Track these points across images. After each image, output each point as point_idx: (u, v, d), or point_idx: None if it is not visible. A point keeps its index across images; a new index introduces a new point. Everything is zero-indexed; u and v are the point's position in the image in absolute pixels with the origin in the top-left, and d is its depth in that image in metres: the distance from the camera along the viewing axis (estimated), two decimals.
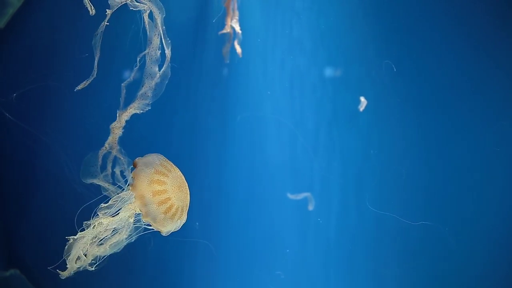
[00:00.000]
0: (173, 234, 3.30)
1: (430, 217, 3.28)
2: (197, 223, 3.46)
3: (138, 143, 3.34)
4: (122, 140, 3.36)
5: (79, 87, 2.23)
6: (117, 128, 2.32)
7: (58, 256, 3.47)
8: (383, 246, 3.50)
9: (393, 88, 3.34)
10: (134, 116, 3.41)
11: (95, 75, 2.21)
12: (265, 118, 3.55)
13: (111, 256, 2.17)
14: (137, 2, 2.16)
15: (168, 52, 2.27)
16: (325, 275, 3.59)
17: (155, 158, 2.03)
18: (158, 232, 2.29)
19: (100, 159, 2.35)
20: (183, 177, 2.09)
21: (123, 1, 2.09)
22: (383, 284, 3.53)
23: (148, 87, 2.27)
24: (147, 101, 2.32)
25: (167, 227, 2.01)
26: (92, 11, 2.07)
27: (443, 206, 3.36)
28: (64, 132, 3.28)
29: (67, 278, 3.48)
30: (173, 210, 1.99)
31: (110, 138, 2.34)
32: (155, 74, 2.28)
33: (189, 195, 2.08)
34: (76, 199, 2.97)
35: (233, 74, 3.53)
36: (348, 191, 3.50)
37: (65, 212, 3.25)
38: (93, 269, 2.19)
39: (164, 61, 2.31)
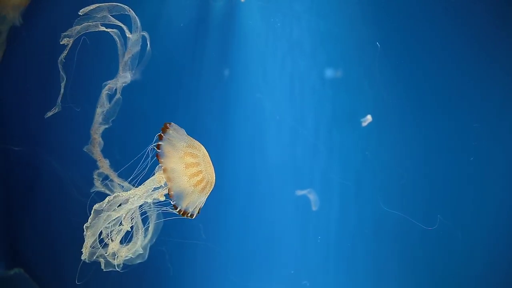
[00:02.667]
0: (174, 236, 3.34)
1: (430, 216, 3.29)
2: (200, 225, 3.49)
3: (138, 144, 3.37)
4: (121, 141, 3.40)
5: (49, 114, 2.27)
6: (100, 159, 2.37)
7: (61, 255, 3.51)
8: (383, 246, 3.51)
9: (392, 88, 3.35)
10: (134, 117, 3.45)
11: (59, 104, 2.24)
12: (265, 118, 3.57)
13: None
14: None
15: (121, 83, 2.32)
16: (325, 274, 3.60)
17: (184, 135, 2.01)
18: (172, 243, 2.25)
19: (99, 183, 2.36)
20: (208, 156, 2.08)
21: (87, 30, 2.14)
22: (383, 283, 3.54)
23: (100, 112, 2.33)
24: (101, 126, 2.38)
25: (192, 203, 1.97)
26: (69, 42, 2.12)
27: (442, 205, 3.36)
28: (62, 134, 3.32)
29: (69, 278, 3.53)
30: (203, 184, 1.97)
31: (100, 170, 2.37)
32: (108, 104, 2.35)
33: (214, 173, 2.06)
34: (79, 200, 3.01)
35: (233, 75, 3.55)
36: (348, 191, 3.51)
37: (68, 213, 3.29)
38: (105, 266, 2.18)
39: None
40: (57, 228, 3.47)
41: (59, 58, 2.16)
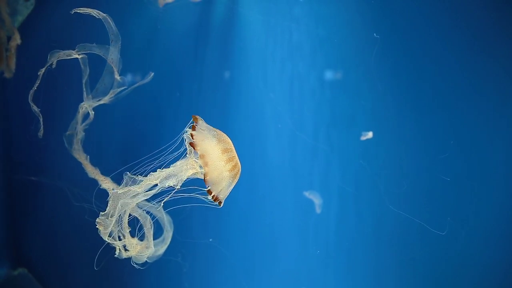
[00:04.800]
0: (176, 235, 3.36)
1: (430, 216, 3.29)
2: (210, 239, 3.52)
3: (139, 146, 3.42)
4: (122, 143, 3.44)
5: (40, 134, 2.33)
6: (102, 180, 2.41)
7: (65, 255, 3.56)
8: (383, 248, 3.52)
9: (390, 90, 3.36)
10: (135, 118, 3.49)
11: (41, 132, 2.30)
12: (265, 122, 3.59)
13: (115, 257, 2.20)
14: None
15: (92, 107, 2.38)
16: (324, 275, 3.61)
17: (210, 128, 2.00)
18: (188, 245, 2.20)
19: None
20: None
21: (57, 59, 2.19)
22: (383, 284, 3.54)
23: (79, 130, 2.41)
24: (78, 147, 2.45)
25: (224, 189, 1.95)
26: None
27: (442, 205, 3.37)
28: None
29: (73, 277, 3.57)
30: (236, 170, 1.96)
31: (104, 187, 2.41)
32: (82, 127, 2.44)
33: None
34: (82, 201, 3.04)
35: (234, 78, 3.57)
36: (348, 193, 3.52)
37: (72, 214, 3.34)
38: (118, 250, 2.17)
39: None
40: (61, 228, 3.51)
41: (30, 92, 2.22)
